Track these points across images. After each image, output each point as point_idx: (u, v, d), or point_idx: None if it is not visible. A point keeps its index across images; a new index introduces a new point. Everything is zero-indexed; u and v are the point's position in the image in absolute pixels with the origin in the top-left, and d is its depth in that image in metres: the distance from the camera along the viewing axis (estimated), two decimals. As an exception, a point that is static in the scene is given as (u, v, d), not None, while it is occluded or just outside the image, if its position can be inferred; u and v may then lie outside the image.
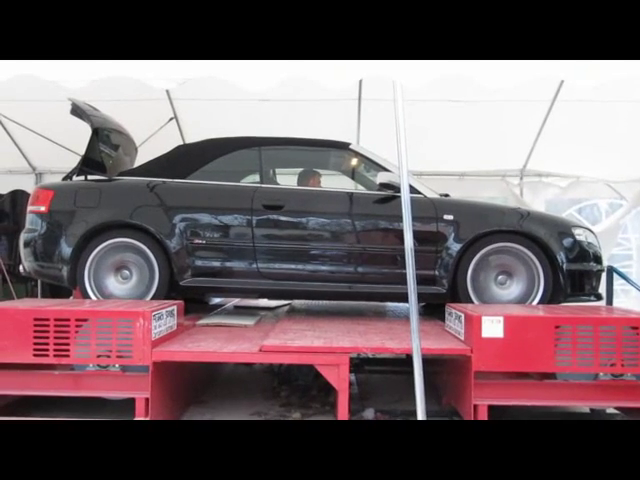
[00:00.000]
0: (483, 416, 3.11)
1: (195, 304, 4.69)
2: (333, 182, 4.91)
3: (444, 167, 6.71)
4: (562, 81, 5.50)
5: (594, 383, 3.22)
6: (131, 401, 3.08)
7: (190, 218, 4.16)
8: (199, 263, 4.12)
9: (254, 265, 4.12)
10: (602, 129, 6.17)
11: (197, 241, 4.13)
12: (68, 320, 3.10)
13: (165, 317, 3.38)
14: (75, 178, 4.42)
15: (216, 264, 4.15)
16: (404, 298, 3.19)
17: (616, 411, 3.58)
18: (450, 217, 4.10)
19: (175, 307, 3.60)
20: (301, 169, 4.75)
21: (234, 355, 3.26)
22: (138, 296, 4.08)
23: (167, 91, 5.92)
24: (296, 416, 3.76)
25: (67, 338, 3.09)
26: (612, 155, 6.50)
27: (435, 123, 6.17)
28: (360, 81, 5.40)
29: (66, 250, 4.07)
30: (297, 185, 4.57)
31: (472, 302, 4.03)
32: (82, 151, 4.36)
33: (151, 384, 3.06)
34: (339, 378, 3.13)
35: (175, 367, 3.31)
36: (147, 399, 3.06)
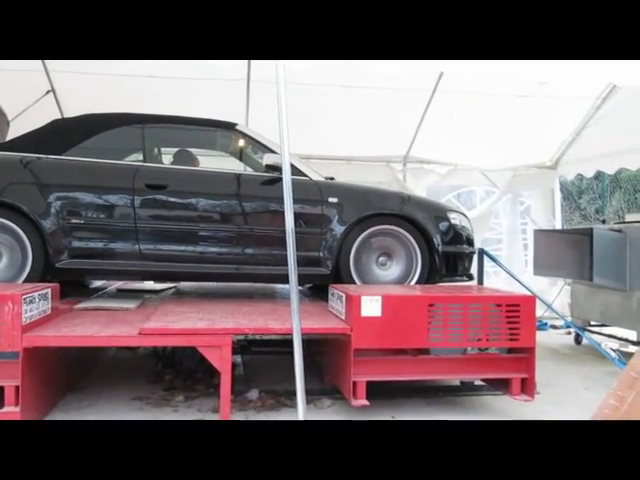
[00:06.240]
0: (362, 392, 3.26)
1: (75, 288, 4.48)
2: (222, 163, 4.84)
3: (333, 152, 6.86)
4: (442, 72, 5.78)
5: (463, 357, 3.47)
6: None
7: (67, 197, 3.96)
8: (76, 244, 3.94)
9: (136, 246, 3.99)
10: (477, 122, 6.56)
11: (74, 221, 3.94)
12: None
13: (38, 301, 3.21)
14: (-64, 151, 4.05)
15: (95, 245, 3.98)
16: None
17: (483, 383, 3.87)
18: (335, 200, 4.19)
19: (49, 290, 3.42)
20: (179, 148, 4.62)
21: (112, 339, 3.16)
22: (9, 279, 3.84)
23: (43, 62, 5.55)
24: (179, 399, 3.73)
25: None
26: (486, 146, 6.96)
27: (325, 108, 6.28)
28: (249, 62, 5.36)
29: None
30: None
31: (355, 283, 4.15)
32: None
33: (22, 371, 2.91)
34: (221, 359, 3.13)
35: (49, 353, 3.16)
36: (17, 387, 2.90)
